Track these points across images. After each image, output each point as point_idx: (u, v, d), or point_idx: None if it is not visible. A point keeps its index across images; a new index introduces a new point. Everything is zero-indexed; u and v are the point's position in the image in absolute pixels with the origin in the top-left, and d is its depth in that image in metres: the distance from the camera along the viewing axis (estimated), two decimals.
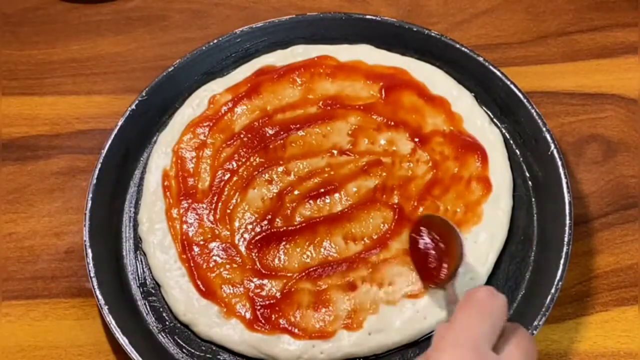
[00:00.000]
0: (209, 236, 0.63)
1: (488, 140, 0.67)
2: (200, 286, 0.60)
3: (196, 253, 0.62)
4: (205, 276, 0.61)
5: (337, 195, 0.65)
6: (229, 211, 0.64)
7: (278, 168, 0.66)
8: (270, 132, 0.68)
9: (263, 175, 0.66)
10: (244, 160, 0.67)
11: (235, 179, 0.66)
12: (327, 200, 0.64)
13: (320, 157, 0.67)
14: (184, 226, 0.64)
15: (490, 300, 0.48)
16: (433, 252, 0.58)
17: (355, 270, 0.61)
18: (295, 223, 0.63)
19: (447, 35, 0.73)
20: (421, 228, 0.59)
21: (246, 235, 0.63)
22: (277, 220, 0.64)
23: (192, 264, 0.61)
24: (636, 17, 0.80)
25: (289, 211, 0.64)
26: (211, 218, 0.64)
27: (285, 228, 0.63)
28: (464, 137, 0.67)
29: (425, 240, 0.59)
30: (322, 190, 0.65)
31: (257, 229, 0.63)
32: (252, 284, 0.60)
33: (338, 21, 0.75)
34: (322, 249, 0.62)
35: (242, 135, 0.68)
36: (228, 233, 0.63)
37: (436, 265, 0.57)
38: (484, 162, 0.65)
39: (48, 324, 0.63)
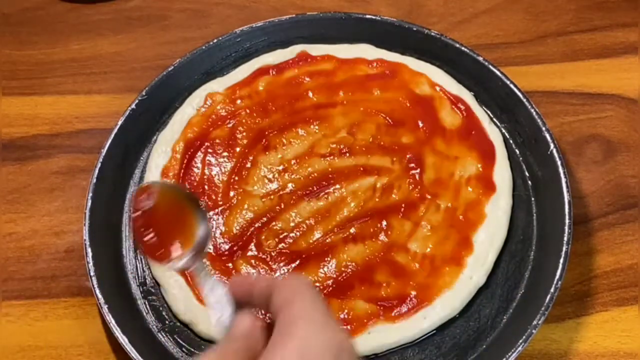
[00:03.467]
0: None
1: None
2: (196, 291, 0.60)
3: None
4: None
5: (336, 193, 0.65)
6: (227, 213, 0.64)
7: (277, 164, 0.66)
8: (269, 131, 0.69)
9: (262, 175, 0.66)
10: (242, 159, 0.67)
11: (234, 179, 0.66)
12: (327, 199, 0.64)
13: (320, 157, 0.67)
14: None
15: None
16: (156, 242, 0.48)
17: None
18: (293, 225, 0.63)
19: (447, 35, 0.73)
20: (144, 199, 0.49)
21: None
22: (277, 223, 0.64)
23: (185, 272, 0.61)
24: (636, 17, 0.80)
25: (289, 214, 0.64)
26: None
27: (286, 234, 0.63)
28: (474, 135, 0.67)
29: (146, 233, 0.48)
30: (322, 189, 0.65)
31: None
32: None
33: (338, 21, 0.75)
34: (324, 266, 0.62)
35: (240, 134, 0.69)
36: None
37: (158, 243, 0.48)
38: (490, 163, 0.65)
39: (48, 324, 0.63)
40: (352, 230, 0.63)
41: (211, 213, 0.65)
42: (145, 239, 0.48)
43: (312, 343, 0.37)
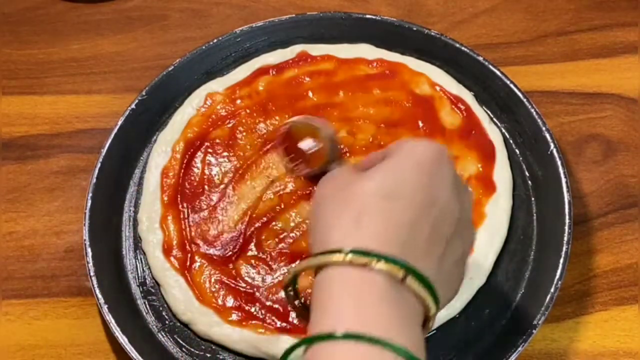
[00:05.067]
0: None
1: None
2: (196, 292, 0.61)
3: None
4: (200, 284, 0.61)
5: None
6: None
7: (277, 164, 0.67)
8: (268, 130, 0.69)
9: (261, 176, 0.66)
10: (241, 162, 0.67)
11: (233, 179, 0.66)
12: None
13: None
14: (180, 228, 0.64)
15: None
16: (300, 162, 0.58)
17: None
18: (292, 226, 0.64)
19: (447, 34, 0.73)
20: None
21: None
22: (277, 223, 0.64)
23: (185, 272, 0.62)
24: (636, 17, 0.80)
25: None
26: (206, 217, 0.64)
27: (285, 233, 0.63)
28: (474, 135, 0.67)
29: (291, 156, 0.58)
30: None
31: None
32: (246, 288, 0.61)
33: (338, 20, 0.75)
34: None
35: (240, 134, 0.69)
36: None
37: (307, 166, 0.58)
38: (490, 162, 0.65)
39: (48, 323, 0.63)
40: None
41: (206, 213, 0.65)
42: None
43: (417, 150, 0.43)
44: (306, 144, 0.58)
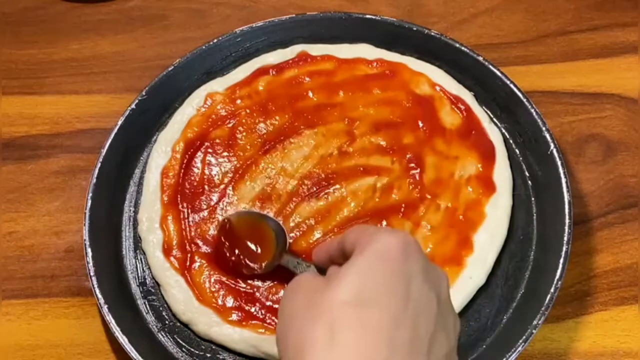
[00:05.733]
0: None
1: None
2: (196, 292, 0.61)
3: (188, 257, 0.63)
4: (199, 284, 0.61)
5: (336, 192, 0.65)
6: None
7: (277, 165, 0.67)
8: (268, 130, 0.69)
9: (261, 176, 0.66)
10: (241, 162, 0.67)
11: (232, 180, 0.66)
12: (327, 199, 0.65)
13: (320, 157, 0.67)
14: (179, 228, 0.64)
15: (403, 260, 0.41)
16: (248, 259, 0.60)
17: None
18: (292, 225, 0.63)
19: (447, 34, 0.73)
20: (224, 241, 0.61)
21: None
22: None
23: (185, 272, 0.62)
24: (636, 17, 0.80)
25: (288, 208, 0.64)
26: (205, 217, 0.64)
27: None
28: (474, 135, 0.67)
29: (237, 253, 0.60)
30: (322, 189, 0.65)
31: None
32: (246, 288, 0.61)
33: (338, 20, 0.75)
34: None
35: (240, 134, 0.69)
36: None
37: (255, 262, 0.60)
38: (490, 162, 0.65)
39: (48, 323, 0.63)
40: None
41: (206, 213, 0.65)
42: (233, 258, 0.60)
43: (381, 245, 0.42)
44: (251, 244, 0.60)
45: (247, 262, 0.59)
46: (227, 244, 0.60)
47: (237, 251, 0.60)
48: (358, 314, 0.38)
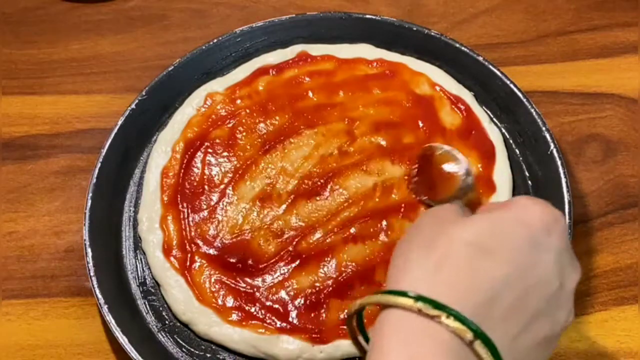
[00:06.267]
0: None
1: None
2: (196, 292, 0.61)
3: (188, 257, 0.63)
4: (199, 284, 0.61)
5: (335, 192, 0.65)
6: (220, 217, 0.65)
7: (277, 164, 0.67)
8: (268, 130, 0.69)
9: (260, 176, 0.66)
10: (241, 162, 0.67)
11: (232, 180, 0.66)
12: (327, 199, 0.65)
13: (320, 157, 0.67)
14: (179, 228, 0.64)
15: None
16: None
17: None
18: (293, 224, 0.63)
19: (447, 34, 0.73)
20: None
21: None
22: (278, 222, 0.64)
23: (185, 272, 0.62)
24: (636, 17, 0.80)
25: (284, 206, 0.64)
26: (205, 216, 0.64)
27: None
28: (474, 135, 0.67)
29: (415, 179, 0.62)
30: (322, 189, 0.65)
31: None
32: (246, 288, 0.61)
33: (338, 21, 0.75)
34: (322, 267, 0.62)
35: (240, 134, 0.69)
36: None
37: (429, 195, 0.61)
38: (490, 162, 0.65)
39: (48, 323, 0.63)
40: (352, 230, 0.63)
41: (206, 213, 0.65)
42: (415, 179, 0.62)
43: (530, 210, 0.41)
44: (449, 167, 0.61)
45: (420, 189, 0.61)
46: (416, 166, 0.62)
47: (416, 178, 0.62)
48: (474, 257, 0.38)
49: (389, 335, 0.37)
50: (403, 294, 0.37)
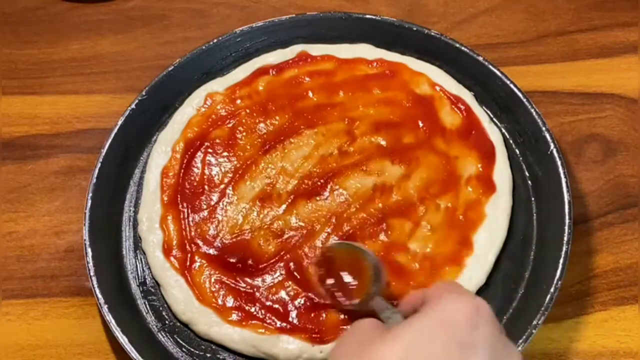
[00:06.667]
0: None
1: None
2: (196, 292, 0.61)
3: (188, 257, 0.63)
4: (200, 284, 0.61)
5: (335, 192, 0.65)
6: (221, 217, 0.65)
7: (277, 164, 0.67)
8: (268, 130, 0.69)
9: (260, 177, 0.66)
10: (241, 162, 0.67)
11: (232, 180, 0.66)
12: (328, 199, 0.65)
13: (320, 157, 0.67)
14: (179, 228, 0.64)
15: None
16: (339, 292, 0.57)
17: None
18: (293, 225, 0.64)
19: (447, 34, 0.73)
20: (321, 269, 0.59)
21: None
22: (278, 222, 0.64)
23: (185, 272, 0.62)
24: (636, 17, 0.80)
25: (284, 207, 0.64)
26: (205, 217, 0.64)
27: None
28: (474, 135, 0.67)
29: (329, 283, 0.58)
30: (322, 189, 0.65)
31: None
32: (246, 288, 0.61)
33: (338, 21, 0.75)
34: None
35: (240, 134, 0.69)
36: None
37: (346, 297, 0.56)
38: (490, 162, 0.66)
39: (48, 323, 0.63)
40: (352, 230, 0.63)
41: (206, 213, 0.65)
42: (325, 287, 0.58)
43: (449, 308, 0.40)
44: (348, 277, 0.56)
45: (338, 294, 0.57)
46: (322, 270, 0.58)
47: (329, 281, 0.57)
48: None
49: None
50: None
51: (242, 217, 0.64)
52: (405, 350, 0.38)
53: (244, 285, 0.61)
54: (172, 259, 0.62)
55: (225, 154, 0.68)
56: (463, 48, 0.72)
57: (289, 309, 0.59)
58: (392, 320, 0.50)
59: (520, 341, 0.55)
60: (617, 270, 0.64)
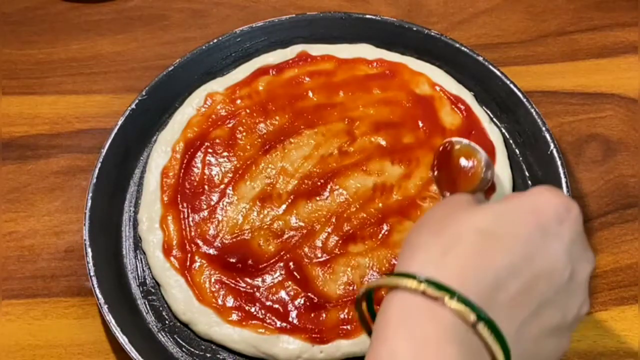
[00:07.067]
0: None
1: None
2: (196, 292, 0.61)
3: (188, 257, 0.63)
4: (200, 284, 0.61)
5: (335, 192, 0.65)
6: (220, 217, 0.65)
7: (277, 164, 0.67)
8: (268, 130, 0.69)
9: (260, 177, 0.66)
10: (241, 162, 0.67)
11: (232, 180, 0.66)
12: (328, 199, 0.64)
13: (320, 157, 0.67)
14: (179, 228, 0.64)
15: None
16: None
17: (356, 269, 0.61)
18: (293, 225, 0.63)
19: (447, 34, 0.74)
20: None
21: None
22: (278, 222, 0.64)
23: (185, 272, 0.62)
24: (636, 17, 0.80)
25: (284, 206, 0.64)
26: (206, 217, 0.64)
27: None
28: (474, 135, 0.67)
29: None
30: (322, 189, 0.65)
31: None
32: (246, 288, 0.61)
33: (338, 21, 0.75)
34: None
35: (240, 134, 0.69)
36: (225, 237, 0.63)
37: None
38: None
39: (48, 323, 0.63)
40: (353, 230, 0.63)
41: (206, 213, 0.65)
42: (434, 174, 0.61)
43: (541, 198, 0.42)
44: (469, 162, 0.60)
45: (441, 185, 0.60)
46: (436, 162, 0.61)
47: (436, 173, 0.60)
48: (481, 242, 0.39)
49: (392, 318, 0.38)
50: (408, 276, 0.38)
51: (242, 217, 0.64)
52: (489, 219, 0.40)
53: (244, 285, 0.61)
54: (172, 259, 0.62)
55: (225, 154, 0.68)
56: (463, 48, 0.72)
57: (289, 309, 0.59)
58: None
59: None
60: (617, 270, 0.64)
